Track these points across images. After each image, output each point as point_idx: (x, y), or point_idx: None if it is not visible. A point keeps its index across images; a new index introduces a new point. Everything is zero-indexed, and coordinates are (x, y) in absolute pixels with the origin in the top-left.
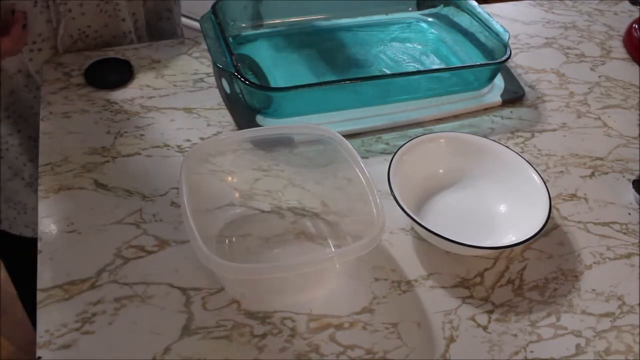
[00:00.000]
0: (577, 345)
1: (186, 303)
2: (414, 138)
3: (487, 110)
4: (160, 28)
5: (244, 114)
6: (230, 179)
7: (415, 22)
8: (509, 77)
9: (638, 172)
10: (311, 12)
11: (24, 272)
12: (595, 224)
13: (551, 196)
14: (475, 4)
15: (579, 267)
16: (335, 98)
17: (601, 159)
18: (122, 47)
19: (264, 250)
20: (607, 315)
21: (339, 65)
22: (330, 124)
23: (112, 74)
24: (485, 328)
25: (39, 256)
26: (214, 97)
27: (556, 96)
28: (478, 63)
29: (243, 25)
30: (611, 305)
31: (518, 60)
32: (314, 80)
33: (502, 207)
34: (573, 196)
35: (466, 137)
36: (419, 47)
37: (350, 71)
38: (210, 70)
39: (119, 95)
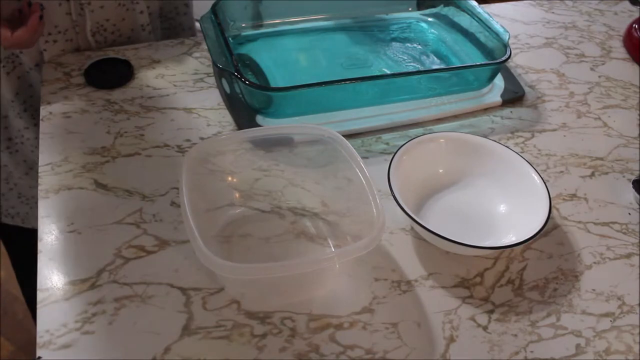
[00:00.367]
0: (577, 345)
1: (186, 303)
2: (414, 138)
3: (487, 110)
4: (177, 23)
5: (244, 114)
6: (230, 179)
7: (415, 22)
8: (509, 77)
9: (638, 172)
10: (311, 12)
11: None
12: (595, 224)
13: (551, 196)
14: (475, 4)
15: (579, 267)
16: (335, 98)
17: (601, 159)
18: (122, 47)
19: (264, 250)
20: (607, 315)
21: (338, 66)
22: (330, 124)
23: (112, 74)
24: (485, 328)
25: (39, 256)
26: (214, 97)
27: (556, 96)
28: (478, 63)
29: (243, 25)
30: (611, 305)
31: (518, 60)
32: (313, 80)
33: (502, 207)
34: (573, 196)
35: (466, 137)
36: (419, 47)
37: (351, 71)
38: (210, 70)
39: (119, 95)
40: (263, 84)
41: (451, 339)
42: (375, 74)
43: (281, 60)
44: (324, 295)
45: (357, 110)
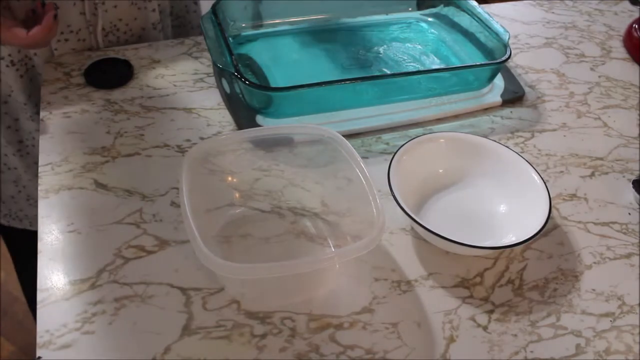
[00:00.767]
0: (577, 345)
1: (186, 303)
2: (414, 138)
3: (487, 110)
4: (187, 21)
5: (244, 114)
6: (230, 179)
7: (415, 22)
8: (509, 77)
9: (638, 172)
10: (311, 12)
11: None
12: (595, 224)
13: (551, 196)
14: (475, 4)
15: (579, 267)
16: (335, 98)
17: (601, 159)
18: (122, 47)
19: (264, 250)
20: (607, 315)
21: (338, 65)
22: (330, 124)
23: (112, 74)
24: (485, 328)
25: (39, 256)
26: (214, 97)
27: (556, 96)
28: (478, 63)
29: (243, 25)
30: (611, 305)
31: (518, 60)
32: (313, 80)
33: (502, 207)
34: (573, 196)
35: (466, 137)
36: (419, 47)
37: (351, 71)
38: (210, 70)
39: (119, 95)
40: (263, 84)
41: (451, 339)
42: (375, 74)
43: (281, 60)
44: (324, 295)
45: (357, 110)
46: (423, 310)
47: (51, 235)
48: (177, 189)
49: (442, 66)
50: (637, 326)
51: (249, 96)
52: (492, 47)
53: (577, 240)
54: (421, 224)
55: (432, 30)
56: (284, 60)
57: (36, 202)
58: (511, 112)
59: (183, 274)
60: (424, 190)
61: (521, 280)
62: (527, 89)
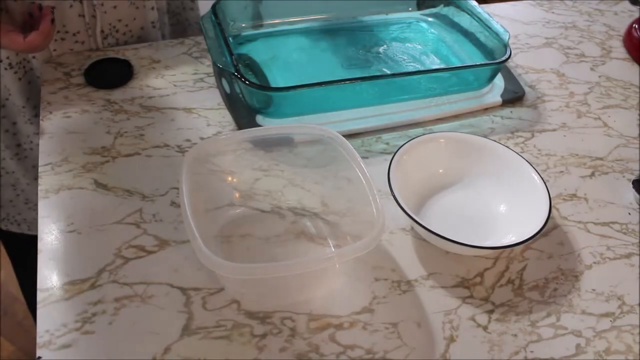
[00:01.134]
0: (577, 345)
1: (186, 303)
2: (414, 138)
3: (487, 110)
4: (184, 19)
5: (244, 114)
6: (230, 179)
7: (415, 22)
8: (509, 77)
9: (638, 172)
10: (311, 12)
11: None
12: (595, 224)
13: (551, 196)
14: (475, 4)
15: (579, 267)
16: (335, 98)
17: (601, 159)
18: (122, 47)
19: (264, 250)
20: (607, 315)
21: (338, 66)
22: (330, 124)
23: (112, 74)
24: (485, 328)
25: (39, 256)
26: (214, 97)
27: (556, 96)
28: (478, 63)
29: (243, 25)
30: (611, 305)
31: (518, 60)
32: (313, 80)
33: (502, 207)
34: (573, 196)
35: (466, 137)
36: (419, 47)
37: (351, 71)
38: (210, 70)
39: (119, 95)
40: (263, 84)
41: (451, 339)
42: (375, 74)
43: (281, 60)
44: (324, 295)
45: (357, 110)
46: (423, 310)
47: (51, 235)
48: (177, 189)
49: (442, 66)
50: (637, 326)
51: (249, 96)
52: (492, 47)
53: (577, 240)
54: (421, 224)
55: (432, 30)
56: (284, 60)
57: (35, 205)
58: (511, 112)
59: (183, 274)
60: (424, 190)
61: (521, 280)
62: (527, 89)
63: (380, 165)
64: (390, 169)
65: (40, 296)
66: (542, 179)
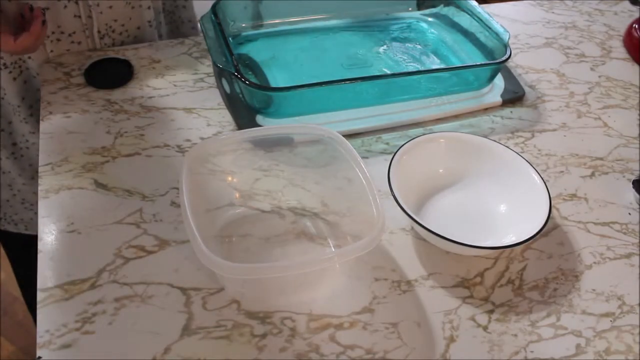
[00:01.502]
0: (577, 345)
1: (186, 303)
2: (414, 138)
3: (487, 110)
4: (177, 17)
5: (244, 114)
6: (230, 179)
7: (415, 22)
8: (509, 77)
9: (638, 172)
10: (311, 12)
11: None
12: (595, 224)
13: (551, 196)
14: (475, 4)
15: (579, 267)
16: (335, 98)
17: (601, 159)
18: (122, 47)
19: (264, 250)
20: (607, 315)
21: (338, 65)
22: (330, 124)
23: (112, 74)
24: (485, 328)
25: (39, 256)
26: (214, 97)
27: (556, 96)
28: (478, 63)
29: (243, 25)
30: (611, 305)
31: (518, 60)
32: (314, 80)
33: (502, 207)
34: (573, 196)
35: (466, 137)
36: (419, 47)
37: (351, 71)
38: (210, 70)
39: (119, 95)
40: (263, 84)
41: (451, 339)
42: (375, 74)
43: (281, 60)
44: (324, 295)
45: (357, 110)
46: (423, 310)
47: (51, 235)
48: (177, 189)
49: (442, 66)
50: (637, 326)
51: (249, 96)
52: (492, 47)
53: (577, 240)
54: (421, 224)
55: (432, 30)
56: (284, 60)
57: (31, 205)
58: (511, 112)
59: (183, 274)
60: (424, 190)
61: (521, 280)
62: (527, 89)
63: (380, 165)
64: (390, 169)
65: (40, 296)
66: (542, 179)
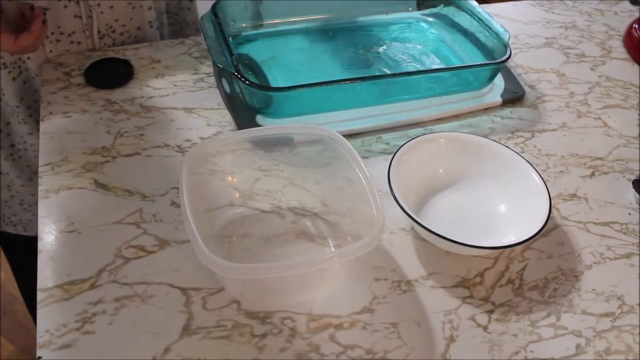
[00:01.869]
0: (577, 345)
1: (186, 303)
2: (414, 138)
3: (487, 110)
4: (181, 19)
5: (244, 114)
6: (230, 179)
7: (415, 22)
8: (509, 77)
9: (638, 172)
10: (311, 12)
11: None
12: (595, 224)
13: (551, 196)
14: (475, 4)
15: (579, 267)
16: (335, 98)
17: (601, 159)
18: (122, 47)
19: (264, 250)
20: (607, 315)
21: (338, 65)
22: (330, 124)
23: (112, 74)
24: (485, 328)
25: (39, 256)
26: (214, 97)
27: (556, 96)
28: (478, 63)
29: (243, 25)
30: (611, 305)
31: (518, 60)
32: (313, 80)
33: (502, 207)
34: (573, 196)
35: (466, 137)
36: (419, 47)
37: (351, 71)
38: (210, 70)
39: (119, 95)
40: (263, 84)
41: (451, 339)
42: (375, 74)
43: (281, 60)
44: (324, 295)
45: (357, 110)
46: (423, 310)
47: (51, 235)
48: (177, 189)
49: (442, 66)
50: (637, 326)
51: (249, 96)
52: (492, 47)
53: (577, 240)
54: (421, 224)
55: (432, 30)
56: (284, 60)
57: (30, 206)
58: (511, 112)
59: (183, 274)
60: (424, 190)
61: (521, 280)
62: (527, 89)
63: (380, 165)
64: (390, 169)
65: (40, 296)
66: (542, 179)
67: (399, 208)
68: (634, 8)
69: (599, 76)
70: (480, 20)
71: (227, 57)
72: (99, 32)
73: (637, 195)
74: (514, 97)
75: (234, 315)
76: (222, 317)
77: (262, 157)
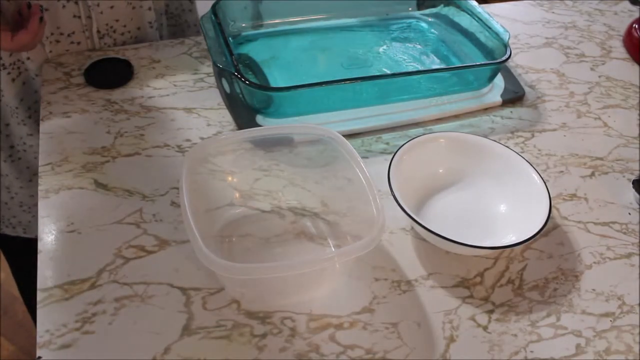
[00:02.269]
0: (577, 345)
1: (186, 303)
2: (414, 138)
3: (487, 110)
4: (183, 20)
5: (244, 114)
6: (230, 179)
7: (415, 22)
8: (509, 77)
9: (638, 172)
10: (311, 12)
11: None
12: (595, 224)
13: (551, 196)
14: (475, 4)
15: (579, 267)
16: (335, 98)
17: (601, 159)
18: (122, 47)
19: (264, 250)
20: (607, 315)
21: (338, 65)
22: (330, 124)
23: (112, 74)
24: (485, 328)
25: (39, 256)
26: (214, 97)
27: (556, 96)
28: (478, 63)
29: (243, 25)
30: (611, 305)
31: (518, 60)
32: (314, 80)
33: (502, 207)
34: (573, 196)
35: (466, 137)
36: (419, 47)
37: (351, 71)
38: (210, 70)
39: (119, 95)
40: (263, 84)
41: (451, 339)
42: (375, 74)
43: (281, 60)
44: (324, 295)
45: (357, 110)
46: (423, 310)
47: (51, 235)
48: (177, 189)
49: (442, 66)
50: (637, 326)
51: (249, 96)
52: (492, 47)
53: (577, 240)
54: (421, 224)
55: (432, 30)
56: (284, 60)
57: (29, 208)
58: (511, 112)
59: (183, 274)
60: (424, 190)
61: (521, 280)
62: (527, 89)
63: (380, 165)
64: (390, 169)
65: (40, 296)
66: (542, 179)
67: (399, 208)
68: (634, 8)
69: (599, 76)
70: (480, 20)
71: (227, 57)
72: (99, 32)
73: (637, 195)
74: (514, 97)
75: (234, 315)
76: (222, 317)
77: (262, 157)
